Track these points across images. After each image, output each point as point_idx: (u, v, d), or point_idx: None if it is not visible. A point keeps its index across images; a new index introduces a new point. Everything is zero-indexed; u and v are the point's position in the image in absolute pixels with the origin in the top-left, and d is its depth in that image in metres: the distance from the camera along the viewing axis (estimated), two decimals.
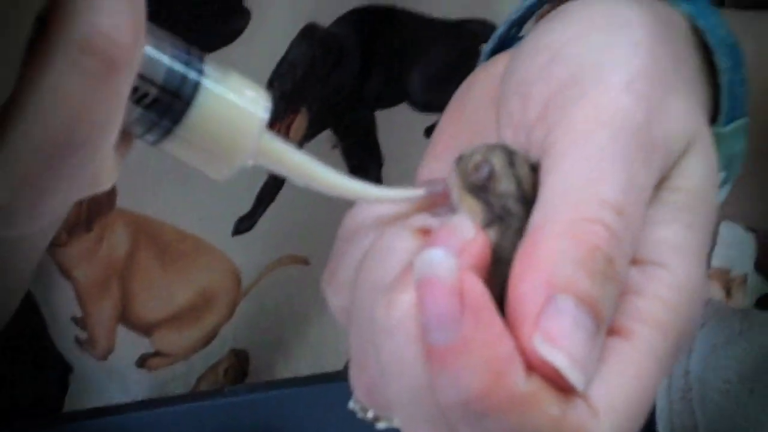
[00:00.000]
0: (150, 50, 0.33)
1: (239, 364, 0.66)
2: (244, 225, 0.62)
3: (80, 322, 0.63)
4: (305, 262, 0.64)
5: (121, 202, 0.59)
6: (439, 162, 0.40)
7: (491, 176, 0.34)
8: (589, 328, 0.32)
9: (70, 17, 0.30)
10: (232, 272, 0.63)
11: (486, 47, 0.47)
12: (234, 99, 0.34)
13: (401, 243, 0.35)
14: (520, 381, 0.31)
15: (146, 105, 0.33)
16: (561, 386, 0.31)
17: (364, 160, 0.64)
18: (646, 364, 0.33)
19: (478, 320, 0.31)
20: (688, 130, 0.37)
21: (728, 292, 0.72)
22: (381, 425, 0.37)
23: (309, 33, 0.58)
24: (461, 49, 0.59)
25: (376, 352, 0.34)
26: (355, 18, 0.58)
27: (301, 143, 0.60)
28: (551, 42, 0.38)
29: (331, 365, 0.66)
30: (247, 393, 0.59)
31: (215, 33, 0.56)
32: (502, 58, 0.42)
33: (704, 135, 0.38)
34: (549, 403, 0.31)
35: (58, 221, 0.52)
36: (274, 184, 0.61)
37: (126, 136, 0.34)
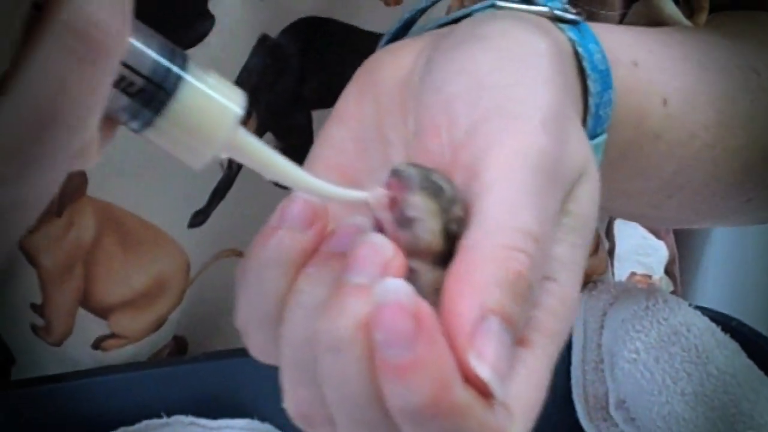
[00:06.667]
0: (139, 44, 0.35)
1: (178, 349, 0.67)
2: (198, 219, 0.63)
3: (39, 309, 0.63)
4: (241, 255, 0.65)
5: (91, 190, 0.61)
6: (342, 127, 0.44)
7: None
8: (508, 344, 0.36)
9: (63, 2, 0.32)
10: (184, 262, 0.64)
11: (391, 29, 0.50)
12: (212, 94, 0.36)
13: (328, 271, 0.38)
14: (460, 391, 0.35)
15: (132, 94, 0.35)
16: (485, 394, 0.36)
17: (302, 161, 0.65)
18: (542, 369, 0.38)
19: (430, 341, 0.35)
20: (582, 161, 0.42)
21: None
22: None
23: (262, 43, 0.60)
24: None
25: (316, 368, 0.37)
26: (297, 28, 0.60)
27: None
28: (474, 68, 0.42)
29: None
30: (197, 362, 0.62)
31: (180, 35, 0.56)
32: (409, 48, 0.46)
33: (592, 164, 0.43)
34: (479, 409, 0.36)
35: (47, 197, 0.54)
36: (227, 183, 0.63)
37: (112, 123, 0.36)
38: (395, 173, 0.38)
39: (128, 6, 0.33)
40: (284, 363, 0.39)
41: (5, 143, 0.33)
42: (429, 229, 0.38)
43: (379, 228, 0.38)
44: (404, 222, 0.38)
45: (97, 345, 0.65)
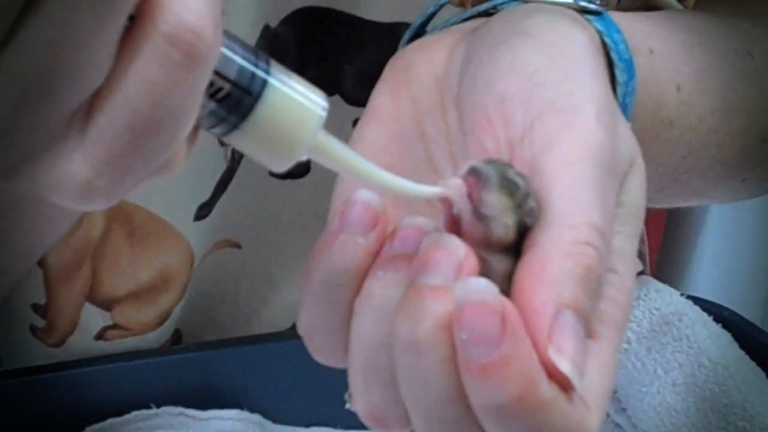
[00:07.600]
0: (224, 49, 0.35)
1: (174, 341, 0.67)
2: (203, 211, 0.63)
3: (41, 309, 0.63)
4: (238, 246, 0.66)
5: None
6: (379, 126, 0.44)
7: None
8: (583, 337, 0.37)
9: (159, 12, 0.32)
10: (189, 256, 0.64)
11: (414, 23, 0.50)
12: (297, 97, 0.36)
13: (398, 273, 0.38)
14: (545, 387, 0.36)
15: (219, 99, 0.35)
16: (565, 387, 0.36)
17: None
18: (610, 359, 0.39)
19: (516, 338, 0.35)
20: (631, 152, 0.42)
21: None
22: None
23: (265, 33, 0.59)
24: (392, 50, 0.60)
25: (392, 370, 0.37)
26: (296, 18, 0.60)
27: None
28: (524, 65, 0.42)
29: None
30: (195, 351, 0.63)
31: None
32: (440, 43, 0.46)
33: (640, 155, 0.43)
34: (563, 403, 0.36)
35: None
36: (229, 175, 0.63)
37: (195, 130, 0.35)
38: (474, 171, 0.39)
39: (220, 11, 0.33)
40: (355, 366, 0.39)
41: (103, 152, 0.33)
42: (503, 224, 0.38)
43: (448, 222, 0.39)
44: (479, 215, 0.38)
45: (100, 335, 0.64)
